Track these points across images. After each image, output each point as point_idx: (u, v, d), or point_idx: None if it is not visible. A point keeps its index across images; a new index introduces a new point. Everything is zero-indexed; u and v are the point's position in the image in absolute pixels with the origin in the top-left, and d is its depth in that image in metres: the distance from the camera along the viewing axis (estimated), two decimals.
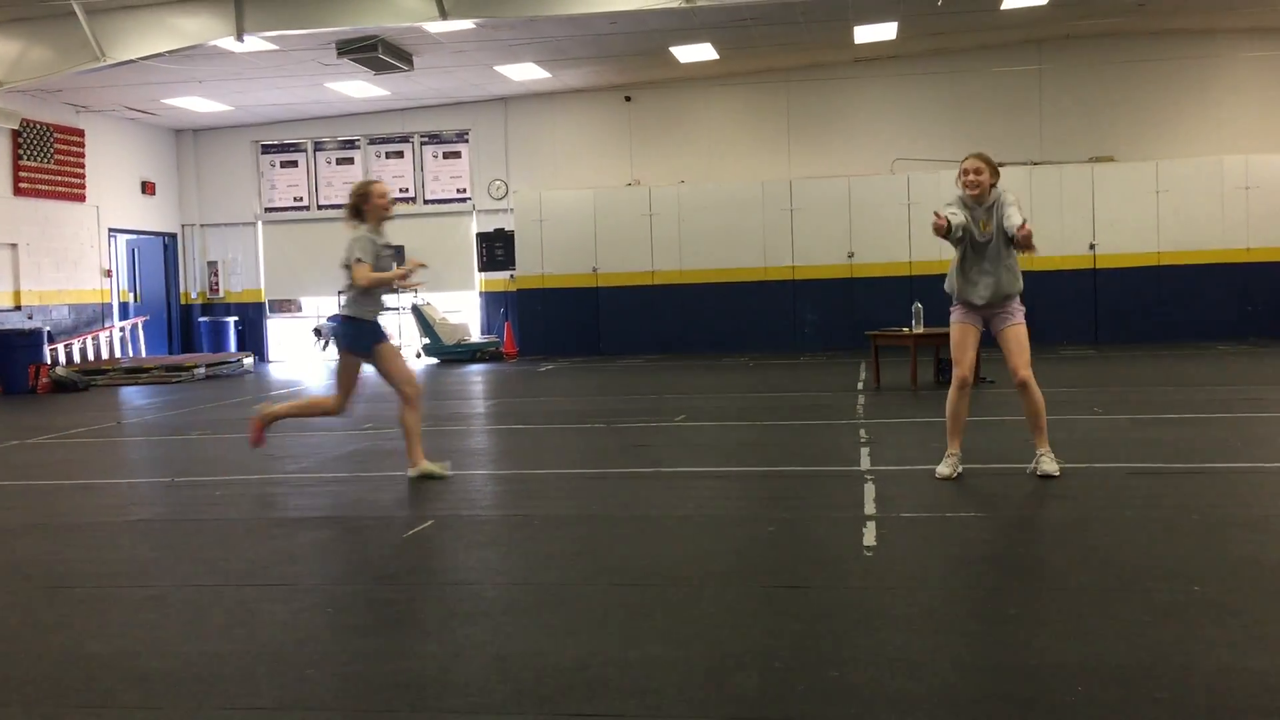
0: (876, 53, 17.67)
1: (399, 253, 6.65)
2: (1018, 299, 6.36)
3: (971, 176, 6.24)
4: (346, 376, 7.00)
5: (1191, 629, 3.68)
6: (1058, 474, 6.27)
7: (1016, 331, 6.27)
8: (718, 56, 17.02)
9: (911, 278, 16.67)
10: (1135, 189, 16.87)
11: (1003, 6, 14.80)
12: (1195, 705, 3.05)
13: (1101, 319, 16.89)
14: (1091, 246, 16.82)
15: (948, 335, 11.76)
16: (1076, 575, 4.49)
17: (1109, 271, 16.92)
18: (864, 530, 5.20)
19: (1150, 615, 3.82)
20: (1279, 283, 16.64)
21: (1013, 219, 6.07)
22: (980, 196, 6.24)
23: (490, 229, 19.43)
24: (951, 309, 6.47)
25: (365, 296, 6.82)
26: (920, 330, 11.67)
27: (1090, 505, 5.70)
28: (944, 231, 6.12)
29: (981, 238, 6.23)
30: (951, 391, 6.41)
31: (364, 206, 6.84)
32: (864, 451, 7.42)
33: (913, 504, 5.84)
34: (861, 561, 4.71)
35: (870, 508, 5.71)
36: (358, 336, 6.86)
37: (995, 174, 6.29)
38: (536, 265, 18.49)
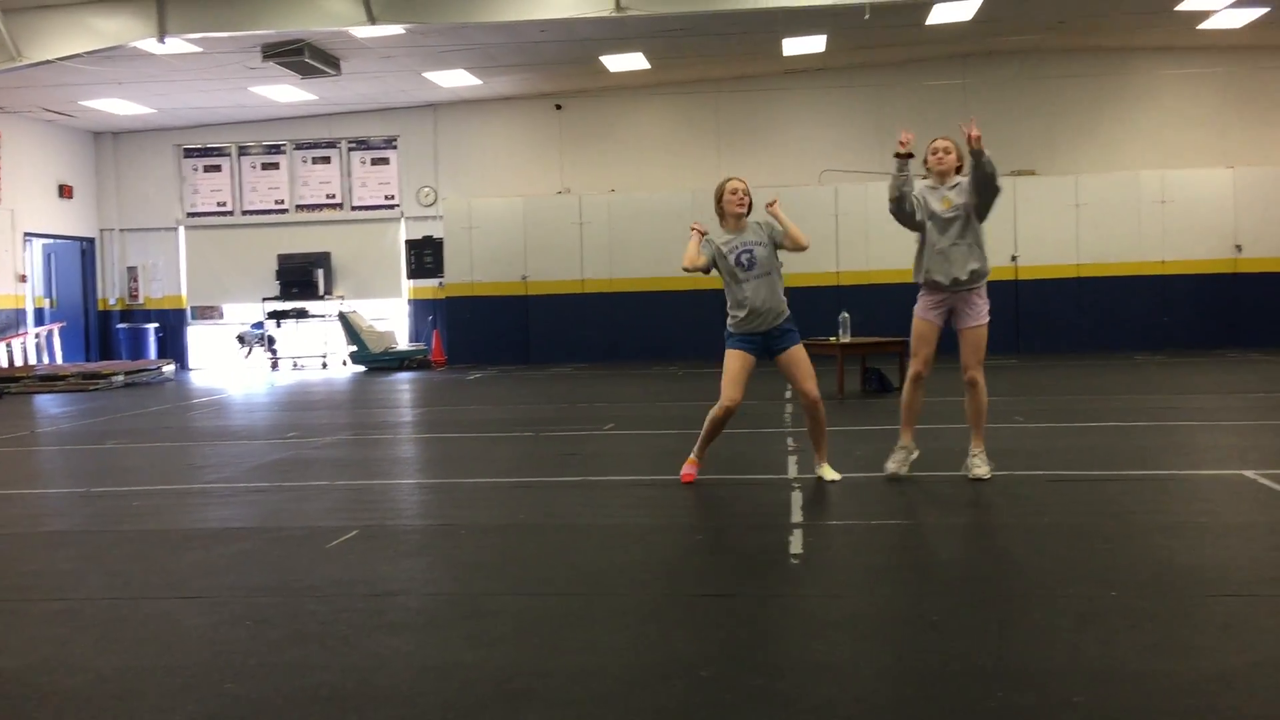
0: (805, 65, 17.87)
1: (740, 252, 6.52)
2: (984, 289, 6.39)
3: (940, 155, 6.36)
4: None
5: (1108, 633, 3.75)
6: (988, 478, 6.40)
7: (976, 333, 6.35)
8: (649, 66, 17.08)
9: (839, 288, 16.80)
10: (1055, 202, 17.24)
11: (928, 22, 15.05)
12: (1111, 709, 3.11)
13: (1023, 329, 17.22)
14: (1013, 258, 17.14)
15: (874, 345, 12.07)
16: (997, 581, 4.56)
17: (1030, 283, 17.26)
18: (790, 538, 5.23)
19: (1068, 620, 3.89)
20: (1193, 295, 17.12)
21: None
22: (945, 175, 6.35)
23: (419, 236, 19.26)
24: (917, 300, 6.50)
25: (730, 307, 6.62)
26: (847, 340, 11.79)
27: (1011, 512, 5.80)
28: (899, 183, 6.21)
29: (945, 213, 6.30)
30: (907, 384, 6.49)
31: (717, 206, 6.65)
32: (791, 460, 7.48)
33: (839, 512, 5.90)
34: (788, 569, 4.74)
35: (797, 516, 5.75)
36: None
37: (961, 159, 6.39)
38: (466, 273, 18.38)
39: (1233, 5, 14.73)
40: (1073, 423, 9.13)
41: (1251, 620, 3.85)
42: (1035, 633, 3.81)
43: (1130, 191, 17.21)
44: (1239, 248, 17.03)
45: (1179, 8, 14.63)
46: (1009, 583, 4.53)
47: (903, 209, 6.37)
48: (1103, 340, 17.09)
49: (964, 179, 6.36)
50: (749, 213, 6.58)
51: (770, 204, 6.61)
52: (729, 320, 6.56)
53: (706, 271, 6.61)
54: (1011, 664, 3.50)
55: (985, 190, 6.24)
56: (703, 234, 6.54)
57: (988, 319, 6.40)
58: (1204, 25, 15.88)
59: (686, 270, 6.63)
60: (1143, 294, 17.18)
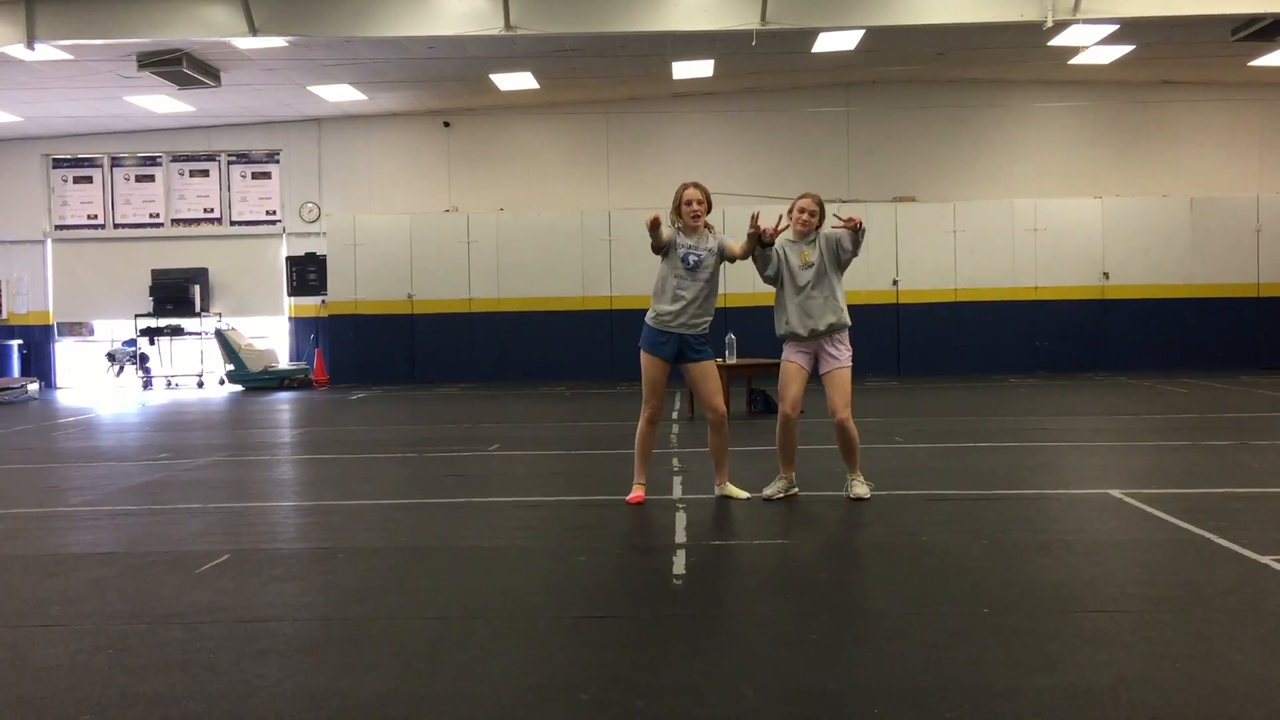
0: (694, 89, 18.06)
1: (689, 252, 6.46)
2: (845, 336, 6.59)
3: (806, 216, 6.56)
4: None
5: (981, 650, 3.82)
6: (868, 497, 6.55)
7: (840, 375, 6.52)
8: (538, 86, 17.06)
9: (725, 309, 16.95)
10: (934, 228, 17.71)
11: (813, 50, 15.35)
12: None
13: (904, 352, 17.62)
14: (894, 282, 17.54)
15: (760, 366, 12.20)
16: (875, 600, 4.62)
17: (910, 307, 17.68)
18: (674, 559, 5.22)
19: (943, 638, 3.96)
20: (1063, 321, 17.74)
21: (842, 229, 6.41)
22: (806, 233, 6.56)
23: (301, 253, 18.87)
24: (783, 348, 6.66)
25: (655, 300, 6.55)
26: (734, 361, 11.89)
27: (889, 532, 5.89)
28: (766, 262, 6.41)
29: (802, 268, 6.48)
30: (779, 427, 6.61)
31: (674, 212, 6.57)
32: (676, 480, 7.49)
33: (722, 532, 5.92)
34: (670, 590, 4.73)
35: (681, 536, 5.75)
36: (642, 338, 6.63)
37: (823, 217, 6.63)
38: (349, 290, 18.05)
39: (1101, 42, 15.37)
40: (949, 444, 9.35)
41: (1116, 636, 3.97)
42: (912, 651, 3.86)
43: (1005, 219, 17.78)
44: (1106, 275, 17.72)
45: (1051, 43, 15.19)
46: (887, 602, 4.59)
47: (764, 272, 6.63)
48: (979, 363, 17.59)
49: (823, 233, 6.57)
50: (708, 212, 6.59)
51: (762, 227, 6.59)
52: (651, 320, 6.55)
53: (658, 250, 6.52)
54: (888, 682, 3.53)
55: (843, 265, 6.60)
56: (655, 222, 6.46)
57: (849, 363, 6.58)
58: (1075, 60, 16.54)
59: (647, 222, 6.41)
60: (1017, 319, 17.75)
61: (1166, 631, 4.01)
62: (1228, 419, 10.90)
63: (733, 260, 6.66)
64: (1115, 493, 6.72)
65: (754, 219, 6.49)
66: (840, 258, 6.56)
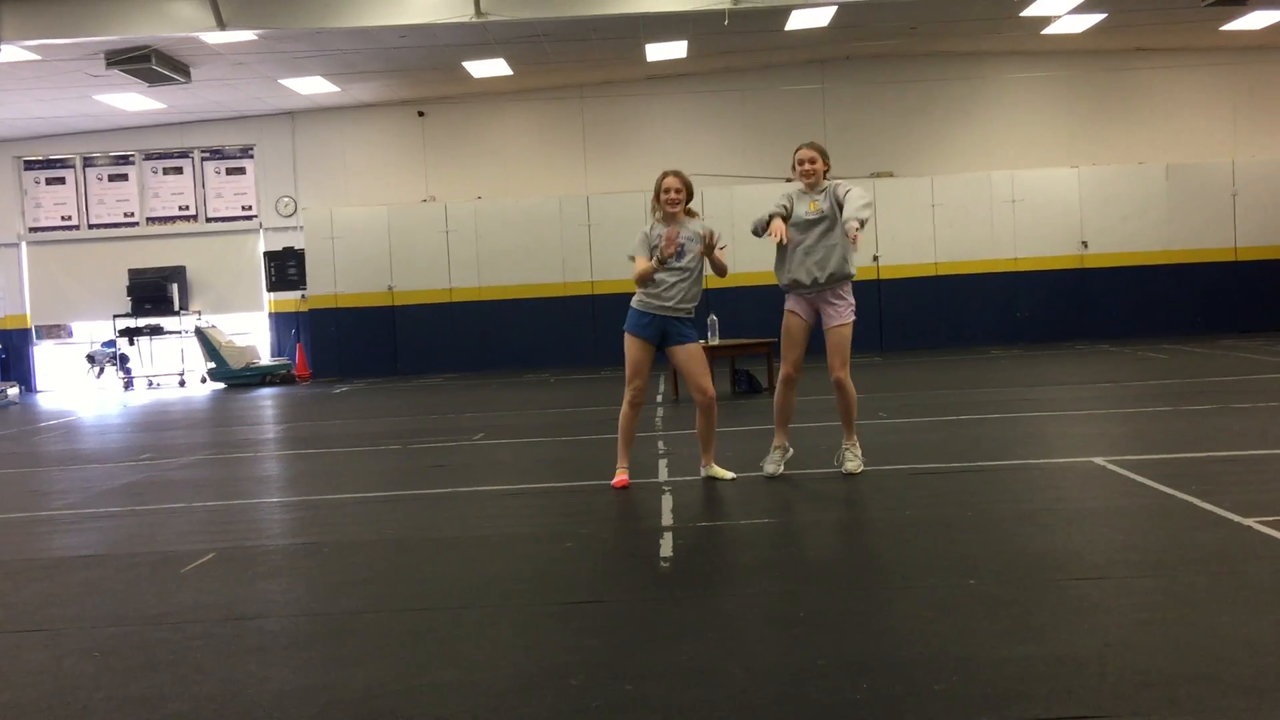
0: (669, 70, 18.00)
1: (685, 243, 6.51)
2: (849, 289, 6.53)
3: (807, 166, 6.51)
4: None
5: (968, 621, 3.83)
6: (858, 473, 6.55)
7: (840, 333, 6.48)
8: (511, 72, 16.97)
9: (706, 290, 16.93)
10: (913, 203, 17.72)
11: (787, 27, 15.31)
12: (971, 695, 3.17)
13: (886, 327, 17.65)
14: (875, 258, 17.55)
15: (743, 346, 12.20)
16: (862, 575, 4.63)
17: (891, 282, 17.71)
18: (661, 541, 5.23)
19: (931, 610, 3.97)
20: (1043, 291, 17.79)
21: (854, 210, 6.16)
22: (814, 183, 6.50)
23: (279, 247, 18.76)
24: (785, 299, 6.60)
25: (643, 287, 6.52)
26: (716, 342, 11.89)
27: (875, 507, 5.91)
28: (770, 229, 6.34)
29: (811, 215, 6.42)
30: (778, 386, 6.60)
31: (654, 200, 6.57)
32: (662, 463, 7.49)
33: (708, 513, 5.92)
34: (658, 573, 4.73)
35: (667, 519, 5.75)
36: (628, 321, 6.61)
37: (827, 162, 6.57)
38: (329, 284, 17.97)
39: (1073, 11, 15.37)
40: (933, 417, 9.37)
41: (1101, 603, 3.99)
42: (899, 624, 3.87)
43: (983, 191, 17.81)
44: (1085, 244, 17.77)
45: (1024, 14, 15.19)
46: (874, 576, 4.60)
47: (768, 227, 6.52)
48: (960, 336, 17.64)
49: (832, 184, 6.50)
50: (689, 200, 6.59)
51: (719, 248, 6.55)
52: (637, 303, 6.54)
53: (663, 264, 6.49)
54: (877, 656, 3.55)
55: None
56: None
57: (851, 319, 6.54)
58: (1048, 30, 16.54)
59: (642, 275, 6.48)
60: (997, 290, 17.79)
61: (1151, 596, 4.03)
62: (1207, 383, 10.96)
63: (717, 274, 6.66)
64: (1098, 460, 6.75)
65: (711, 237, 6.45)
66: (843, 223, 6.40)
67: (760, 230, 6.52)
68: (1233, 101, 18.70)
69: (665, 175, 6.55)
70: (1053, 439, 8.11)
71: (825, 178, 6.57)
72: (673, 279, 6.48)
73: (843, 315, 6.51)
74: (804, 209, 6.49)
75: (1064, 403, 10.12)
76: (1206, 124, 18.67)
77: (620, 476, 6.67)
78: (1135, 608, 3.90)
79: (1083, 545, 4.82)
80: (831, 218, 6.42)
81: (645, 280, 6.48)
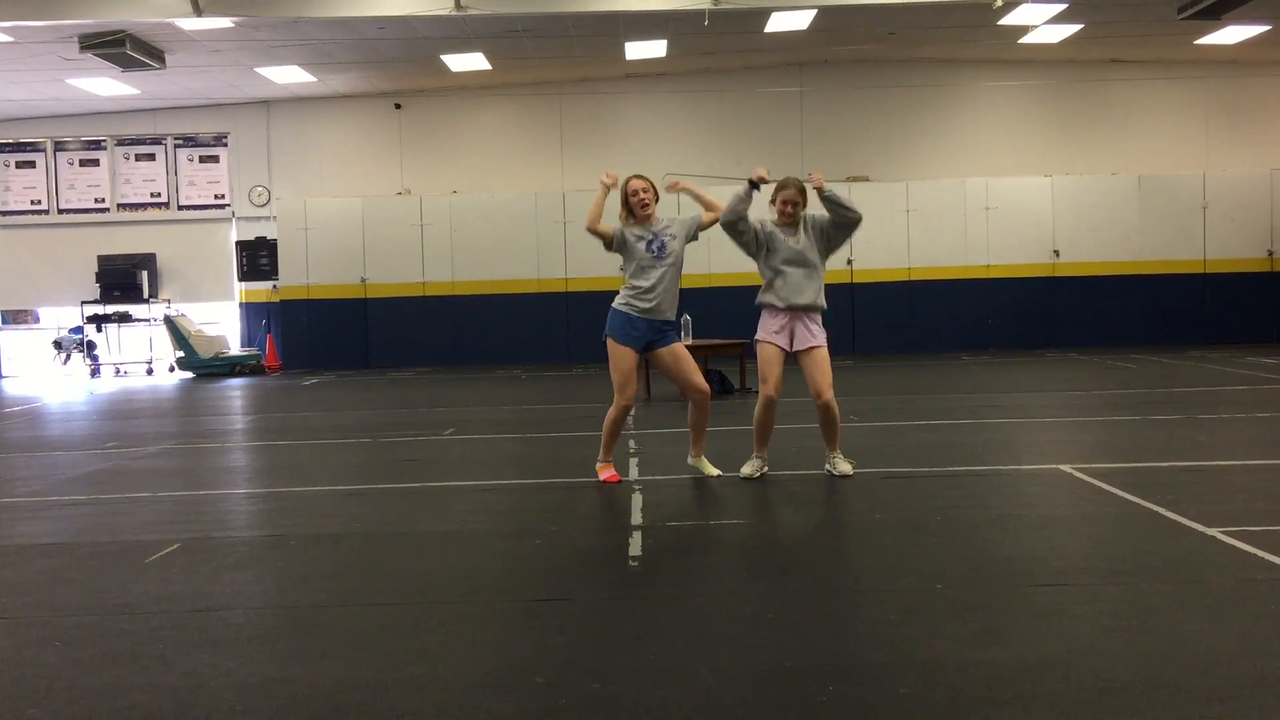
0: (648, 69, 17.99)
1: (651, 240, 6.53)
2: (820, 317, 6.66)
3: (789, 209, 6.56)
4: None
5: (934, 625, 3.85)
6: (851, 473, 6.65)
7: (820, 354, 6.57)
8: (490, 67, 16.91)
9: (682, 289, 16.98)
10: (887, 208, 17.78)
11: (766, 30, 15.34)
12: (937, 699, 3.19)
13: (859, 331, 17.73)
14: (849, 262, 17.61)
15: (716, 347, 12.22)
16: (830, 578, 4.64)
17: (865, 286, 17.77)
18: (630, 540, 5.22)
19: (897, 614, 3.98)
20: (1015, 298, 17.91)
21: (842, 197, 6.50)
22: (792, 223, 6.58)
23: (251, 237, 18.62)
24: (759, 328, 6.64)
25: (629, 285, 6.52)
26: (690, 342, 11.88)
27: (845, 510, 5.93)
28: (743, 208, 6.46)
29: (794, 243, 6.53)
30: (759, 408, 6.64)
31: (624, 206, 6.59)
32: (633, 462, 7.48)
33: (679, 513, 5.92)
34: (627, 572, 4.73)
35: (637, 518, 5.75)
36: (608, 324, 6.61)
37: (805, 199, 6.61)
38: (301, 275, 17.85)
39: (1050, 21, 15.48)
40: (903, 421, 9.41)
41: (1066, 609, 4.01)
42: (866, 627, 3.88)
43: (957, 198, 17.90)
44: (1057, 253, 17.90)
45: (1001, 22, 15.28)
46: (841, 579, 4.61)
47: (736, 227, 6.56)
48: (933, 342, 17.73)
49: (809, 216, 6.60)
50: (657, 201, 6.62)
51: (673, 185, 6.63)
52: (622, 306, 6.52)
53: (609, 246, 6.56)
54: (844, 659, 3.56)
55: (844, 225, 6.58)
56: (609, 186, 6.51)
57: (826, 344, 6.61)
58: (1024, 40, 16.64)
59: (589, 230, 6.57)
60: (969, 297, 17.89)
61: (1116, 603, 4.06)
62: (1175, 394, 11.07)
63: (711, 222, 6.70)
64: (1066, 468, 6.80)
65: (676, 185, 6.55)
66: (831, 238, 6.59)
67: (743, 198, 6.50)
68: (1205, 115, 18.89)
69: (630, 179, 6.60)
70: (1021, 446, 8.16)
71: (799, 214, 6.63)
72: (655, 281, 6.47)
73: (819, 339, 6.61)
74: (788, 241, 6.56)
75: (1033, 410, 10.19)
76: (1179, 137, 18.86)
77: (611, 472, 6.69)
78: (1100, 614, 3.93)
79: (1049, 552, 4.86)
80: (810, 247, 6.55)
81: (632, 276, 6.49)
